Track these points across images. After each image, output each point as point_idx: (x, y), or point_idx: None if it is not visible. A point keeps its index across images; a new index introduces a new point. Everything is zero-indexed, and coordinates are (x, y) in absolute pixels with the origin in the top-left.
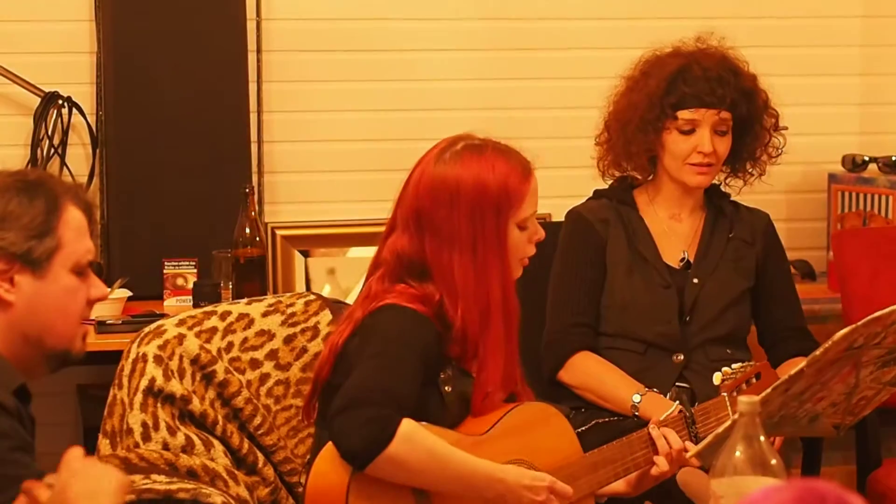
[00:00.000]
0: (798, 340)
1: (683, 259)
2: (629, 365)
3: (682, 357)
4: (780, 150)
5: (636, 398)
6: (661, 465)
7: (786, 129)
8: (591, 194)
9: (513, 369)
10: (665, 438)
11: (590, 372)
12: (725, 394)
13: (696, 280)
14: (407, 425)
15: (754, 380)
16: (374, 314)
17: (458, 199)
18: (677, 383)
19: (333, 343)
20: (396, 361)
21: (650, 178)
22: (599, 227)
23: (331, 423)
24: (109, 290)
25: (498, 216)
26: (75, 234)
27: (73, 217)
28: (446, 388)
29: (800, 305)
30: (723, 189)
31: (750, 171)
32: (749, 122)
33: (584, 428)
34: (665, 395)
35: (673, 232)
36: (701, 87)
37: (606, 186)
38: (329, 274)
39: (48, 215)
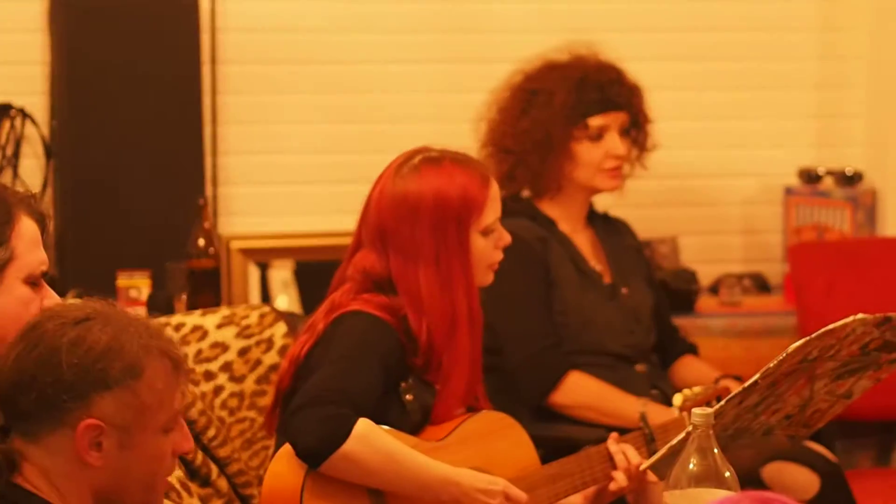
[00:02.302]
0: (681, 341)
1: (600, 272)
2: (604, 380)
3: (643, 366)
4: (653, 145)
5: (644, 409)
6: (620, 480)
7: (652, 121)
8: None
9: (476, 381)
10: (624, 454)
11: (589, 390)
12: (685, 414)
13: (625, 291)
14: (363, 424)
15: (715, 402)
16: (337, 320)
17: (418, 214)
18: (652, 391)
19: (294, 354)
20: (357, 365)
21: (552, 193)
22: (538, 246)
23: (288, 421)
24: (63, 299)
25: (459, 227)
26: (28, 245)
27: (26, 228)
28: (407, 396)
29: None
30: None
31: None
32: (635, 119)
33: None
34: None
35: (580, 246)
36: (607, 91)
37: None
38: (285, 286)
39: (1, 227)
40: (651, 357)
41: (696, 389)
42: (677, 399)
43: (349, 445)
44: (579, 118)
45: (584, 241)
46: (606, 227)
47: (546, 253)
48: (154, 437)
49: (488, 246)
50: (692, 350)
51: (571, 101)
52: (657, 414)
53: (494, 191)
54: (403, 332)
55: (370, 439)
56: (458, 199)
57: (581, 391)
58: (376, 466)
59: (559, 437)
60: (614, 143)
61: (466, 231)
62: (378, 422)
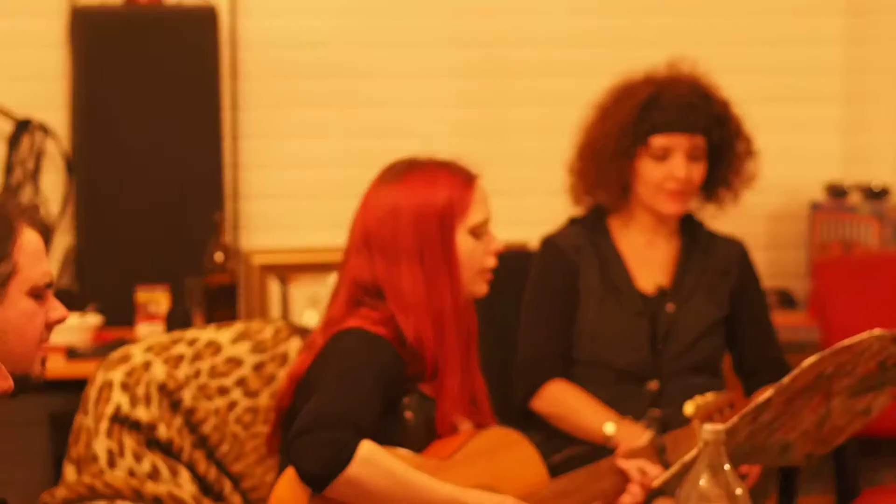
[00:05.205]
0: (773, 371)
1: (660, 286)
2: (601, 393)
3: (655, 385)
4: (754, 176)
5: (609, 429)
6: (636, 493)
7: (759, 153)
8: (565, 221)
9: (473, 386)
10: (639, 469)
11: (564, 401)
12: (697, 421)
13: (670, 307)
14: (366, 447)
15: (728, 409)
16: (334, 339)
17: (400, 213)
18: (651, 411)
19: (294, 372)
20: (355, 385)
21: (623, 205)
22: (572, 254)
23: (290, 446)
24: (81, 314)
25: (443, 224)
26: (31, 257)
27: (28, 240)
28: (407, 413)
29: (775, 336)
30: (696, 216)
31: (723, 197)
32: (722, 147)
33: (557, 458)
34: (639, 424)
35: (648, 258)
36: (673, 113)
37: (581, 213)
38: (312, 301)
39: (3, 241)
40: (682, 378)
41: (708, 396)
42: (688, 407)
43: (353, 469)
44: (643, 135)
45: (654, 255)
46: (696, 245)
47: (578, 261)
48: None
49: (478, 248)
50: None
51: (634, 118)
52: (626, 436)
53: (480, 192)
54: (400, 345)
55: (374, 462)
56: (440, 196)
57: (556, 401)
58: (381, 489)
59: None
60: (677, 165)
61: (451, 229)
62: (381, 442)
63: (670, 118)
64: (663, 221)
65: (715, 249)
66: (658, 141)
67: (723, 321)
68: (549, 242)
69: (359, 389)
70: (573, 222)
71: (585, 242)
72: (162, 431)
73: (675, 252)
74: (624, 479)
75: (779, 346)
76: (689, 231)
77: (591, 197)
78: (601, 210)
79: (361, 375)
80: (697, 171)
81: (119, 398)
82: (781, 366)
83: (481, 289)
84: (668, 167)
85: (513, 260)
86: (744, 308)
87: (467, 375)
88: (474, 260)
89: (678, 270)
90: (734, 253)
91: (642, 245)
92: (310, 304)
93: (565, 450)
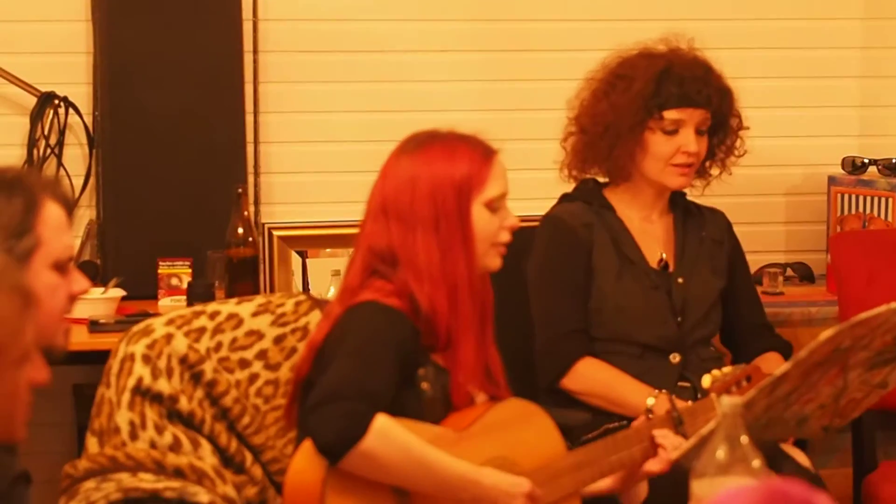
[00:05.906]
0: (765, 338)
1: (662, 260)
2: (628, 369)
3: (678, 357)
4: (743, 151)
5: (650, 401)
6: (664, 461)
7: (747, 128)
8: (559, 198)
9: (487, 357)
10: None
11: (598, 378)
12: (714, 394)
13: (680, 280)
14: (382, 420)
15: (745, 382)
16: (350, 311)
17: (418, 182)
18: (679, 383)
19: (313, 341)
20: (371, 358)
21: (622, 180)
22: (583, 231)
23: (306, 418)
24: (104, 288)
25: (459, 195)
26: (54, 231)
27: (51, 214)
28: (424, 384)
29: (762, 303)
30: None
31: (710, 171)
32: (721, 121)
33: (594, 434)
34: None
35: (648, 233)
36: (688, 87)
37: (571, 190)
38: (335, 275)
39: (26, 214)
40: (698, 349)
41: (725, 370)
42: (706, 380)
43: (368, 442)
44: (655, 109)
45: (652, 229)
46: (689, 217)
47: (590, 238)
48: (6, 372)
49: (493, 222)
50: (782, 348)
51: (649, 91)
52: (663, 407)
53: (499, 166)
54: (415, 315)
55: (389, 436)
56: (458, 168)
57: (589, 379)
58: (395, 464)
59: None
60: (688, 139)
61: (467, 200)
62: (399, 413)
63: (685, 92)
64: (661, 195)
65: (705, 221)
66: (672, 115)
67: (721, 291)
68: (555, 220)
69: (374, 362)
70: (570, 199)
71: (595, 219)
72: (183, 404)
73: (671, 225)
74: (651, 446)
75: (765, 314)
76: (678, 204)
77: (591, 171)
78: (597, 185)
79: (377, 349)
80: (704, 145)
81: (141, 370)
82: (772, 332)
83: (494, 262)
84: (678, 141)
85: (527, 234)
86: (736, 276)
87: (482, 347)
88: (489, 233)
89: (678, 243)
90: (722, 223)
91: (640, 220)
92: (331, 279)
93: (602, 425)
